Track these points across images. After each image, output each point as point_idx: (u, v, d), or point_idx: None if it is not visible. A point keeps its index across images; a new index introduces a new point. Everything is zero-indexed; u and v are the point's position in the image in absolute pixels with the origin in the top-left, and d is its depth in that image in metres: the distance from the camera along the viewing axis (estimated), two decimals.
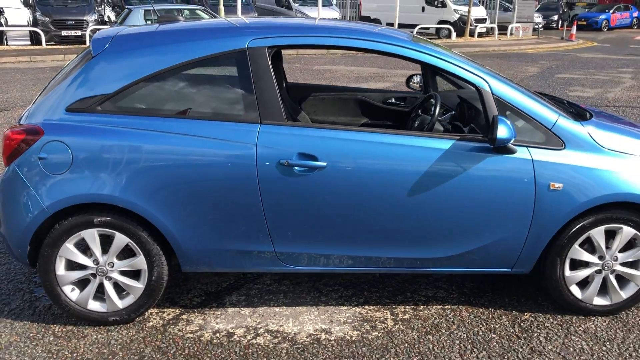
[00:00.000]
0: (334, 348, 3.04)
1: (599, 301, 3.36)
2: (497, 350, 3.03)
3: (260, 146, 3.00)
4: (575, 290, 3.34)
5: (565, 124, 3.16)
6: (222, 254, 3.18)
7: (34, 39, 18.69)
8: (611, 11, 34.83)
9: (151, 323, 3.26)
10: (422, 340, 3.11)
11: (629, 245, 3.28)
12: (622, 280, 3.35)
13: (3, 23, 19.37)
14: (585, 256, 3.26)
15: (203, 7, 16.03)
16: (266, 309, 3.41)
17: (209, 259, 3.20)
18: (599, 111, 3.92)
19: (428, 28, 23.99)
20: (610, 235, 3.25)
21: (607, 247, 3.27)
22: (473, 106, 3.50)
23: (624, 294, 3.34)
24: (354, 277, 3.81)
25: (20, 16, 22.09)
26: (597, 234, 3.22)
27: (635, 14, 36.30)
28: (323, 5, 22.24)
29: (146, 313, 3.35)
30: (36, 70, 13.69)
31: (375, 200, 3.07)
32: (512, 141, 2.98)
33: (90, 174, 2.98)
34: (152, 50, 3.10)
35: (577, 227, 3.18)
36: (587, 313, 3.37)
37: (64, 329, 3.19)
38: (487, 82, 3.13)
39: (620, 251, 3.28)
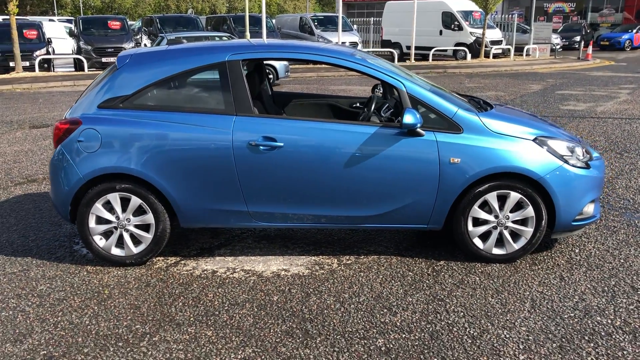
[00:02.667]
0: (288, 279, 4.13)
1: (497, 251, 4.36)
2: (409, 281, 4.07)
3: (235, 131, 4.15)
4: (477, 242, 4.35)
5: (463, 114, 4.22)
6: (209, 212, 4.31)
7: (78, 65, 20.46)
8: (634, 31, 35.27)
9: (157, 265, 4.41)
10: (355, 275, 4.17)
11: (518, 207, 4.28)
12: (516, 235, 4.35)
13: (51, 52, 21.25)
14: (483, 215, 4.28)
15: (230, 34, 17.47)
16: (244, 258, 4.52)
17: (200, 217, 4.34)
18: (503, 105, 4.97)
19: (445, 50, 25.08)
20: (503, 199, 4.26)
21: (500, 209, 4.28)
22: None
23: (516, 246, 4.33)
24: (317, 238, 4.89)
25: (66, 45, 24.10)
26: (491, 198, 4.24)
27: None
28: (344, 31, 23.55)
29: (154, 259, 4.50)
30: (79, 93, 15.25)
31: (321, 171, 4.16)
32: (418, 126, 4.05)
33: (113, 152, 4.17)
34: (159, 64, 4.30)
35: (475, 192, 4.21)
36: (488, 260, 4.37)
37: (95, 268, 4.36)
38: (403, 84, 4.22)
39: (511, 211, 4.28)
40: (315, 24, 23.93)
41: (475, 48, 24.75)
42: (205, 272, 4.28)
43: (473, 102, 4.78)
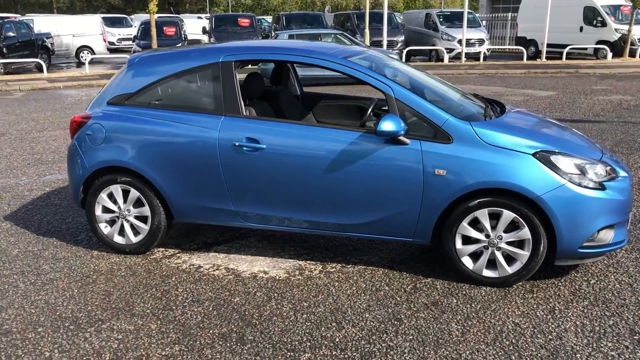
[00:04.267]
0: (262, 281, 4.12)
1: (488, 273, 3.98)
2: (379, 297, 3.86)
3: (221, 131, 4.21)
4: (467, 261, 4.01)
5: (454, 122, 3.90)
6: (199, 209, 4.42)
7: None
8: None
9: (154, 256, 4.62)
10: (329, 284, 4.05)
11: (514, 227, 3.87)
12: (511, 257, 3.94)
13: None
14: (474, 233, 3.93)
15: (342, 32, 17.56)
16: (235, 256, 4.58)
17: (192, 213, 4.47)
18: (520, 111, 4.56)
19: (585, 49, 23.13)
20: (496, 217, 3.88)
21: (493, 228, 3.90)
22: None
23: (510, 270, 3.93)
24: (317, 242, 4.81)
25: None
26: (482, 215, 3.88)
27: None
28: (471, 27, 22.62)
29: (155, 250, 4.71)
30: None
31: (303, 174, 4.09)
32: (401, 134, 3.83)
33: (115, 146, 4.43)
34: (160, 64, 4.49)
35: (464, 207, 3.88)
36: (478, 282, 4.01)
37: (99, 253, 4.67)
38: (391, 89, 4.00)
39: (505, 232, 3.89)
40: (441, 20, 23.21)
41: (620, 46, 22.50)
42: (192, 266, 4.41)
43: (486, 108, 4.41)
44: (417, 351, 3.23)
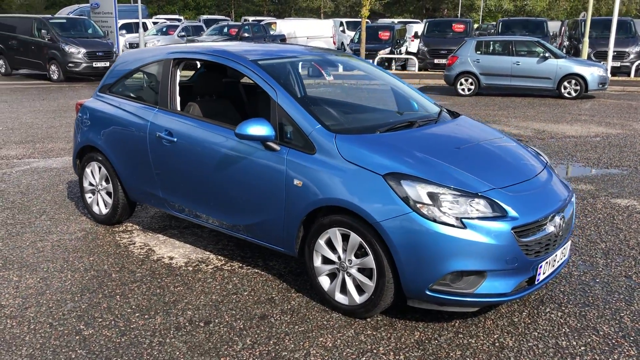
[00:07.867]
0: (157, 264, 4.38)
1: (340, 298, 3.63)
2: (228, 301, 3.81)
3: (150, 122, 4.58)
4: (324, 281, 3.71)
5: (320, 133, 3.65)
6: (141, 192, 4.86)
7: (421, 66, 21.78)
8: None
9: (117, 229, 5.20)
10: (203, 280, 4.13)
11: (365, 254, 3.48)
12: (362, 286, 3.54)
13: (402, 51, 23.25)
14: (327, 253, 3.64)
15: (538, 39, 15.89)
16: (172, 240, 4.90)
17: (137, 194, 4.94)
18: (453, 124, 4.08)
19: None
20: (348, 239, 3.54)
21: (345, 250, 3.56)
22: None
23: (358, 300, 3.53)
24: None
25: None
26: (333, 234, 3.57)
27: None
28: None
29: (125, 224, 5.29)
30: None
31: (201, 169, 4.25)
32: (271, 140, 3.76)
33: (94, 128, 5.12)
34: (132, 59, 5.04)
35: (318, 223, 3.63)
36: (332, 306, 3.68)
37: (85, 219, 5.43)
38: (276, 93, 3.90)
39: (355, 256, 3.52)
40: None
41: None
42: (127, 242, 4.87)
43: (415, 121, 4.02)
44: (186, 355, 3.20)
